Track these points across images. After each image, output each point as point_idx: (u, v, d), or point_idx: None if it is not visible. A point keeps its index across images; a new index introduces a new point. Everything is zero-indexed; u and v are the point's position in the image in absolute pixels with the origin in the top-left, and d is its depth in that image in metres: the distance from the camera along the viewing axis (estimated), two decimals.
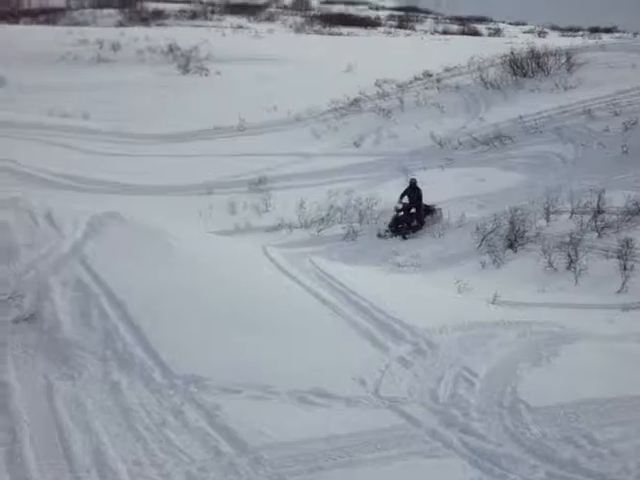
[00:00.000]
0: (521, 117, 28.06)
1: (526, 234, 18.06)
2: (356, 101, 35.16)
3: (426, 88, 36.04)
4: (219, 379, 8.64)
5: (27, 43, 51.90)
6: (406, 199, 20.25)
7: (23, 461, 7.32)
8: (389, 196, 21.20)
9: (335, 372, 8.99)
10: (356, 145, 29.06)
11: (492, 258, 17.37)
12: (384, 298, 11.41)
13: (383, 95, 36.18)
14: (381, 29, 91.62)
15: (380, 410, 8.38)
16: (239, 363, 9.03)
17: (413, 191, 20.34)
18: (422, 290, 14.00)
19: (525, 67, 34.52)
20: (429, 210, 20.58)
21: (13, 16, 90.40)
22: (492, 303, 13.64)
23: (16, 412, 7.88)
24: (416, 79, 38.50)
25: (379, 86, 38.36)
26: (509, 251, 17.76)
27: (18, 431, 7.76)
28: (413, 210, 19.92)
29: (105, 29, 67.63)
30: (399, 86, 37.68)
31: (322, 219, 20.47)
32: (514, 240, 17.95)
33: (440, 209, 20.76)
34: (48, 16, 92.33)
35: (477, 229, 18.52)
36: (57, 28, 68.29)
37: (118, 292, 10.49)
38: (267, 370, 8.92)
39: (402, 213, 19.87)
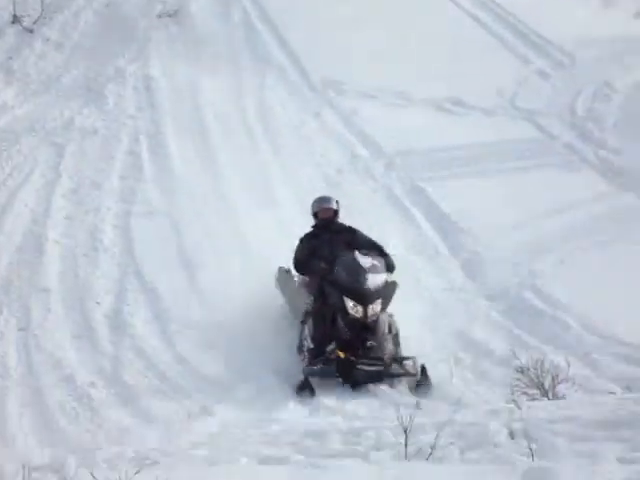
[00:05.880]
0: None
1: None
2: None
3: None
4: (356, 83, 8.58)
5: None
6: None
7: (167, 153, 7.68)
8: None
9: (474, 83, 8.77)
10: None
11: None
12: (539, 17, 10.65)
13: None
14: None
15: (517, 121, 8.27)
16: (376, 69, 8.90)
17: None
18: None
19: None
20: None
21: None
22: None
23: (161, 106, 8.11)
24: None
25: None
26: None
27: (162, 124, 8.10)
28: None
29: None
30: None
31: None
32: None
33: None
34: None
35: None
36: None
37: None
38: (404, 77, 8.77)
39: None
